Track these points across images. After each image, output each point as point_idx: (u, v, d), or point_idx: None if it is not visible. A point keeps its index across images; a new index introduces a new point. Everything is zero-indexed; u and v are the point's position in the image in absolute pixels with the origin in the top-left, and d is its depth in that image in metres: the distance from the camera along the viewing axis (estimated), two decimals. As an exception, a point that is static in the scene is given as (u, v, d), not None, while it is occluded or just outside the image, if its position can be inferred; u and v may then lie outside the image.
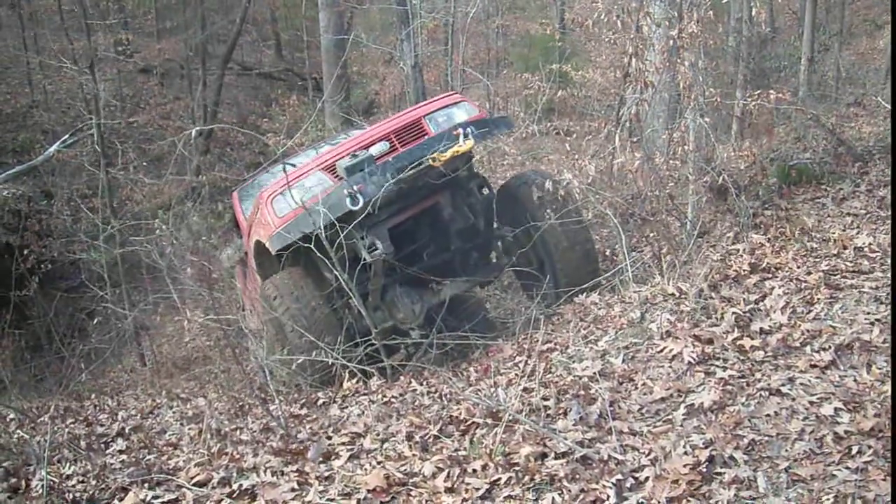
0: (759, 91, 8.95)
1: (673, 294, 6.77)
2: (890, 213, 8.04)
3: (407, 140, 7.50)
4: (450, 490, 4.63)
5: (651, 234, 8.86)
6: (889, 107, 11.58)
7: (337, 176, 7.26)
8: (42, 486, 5.08)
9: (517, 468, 4.67)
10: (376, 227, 7.33)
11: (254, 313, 9.13)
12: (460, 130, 7.22)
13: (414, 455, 5.13)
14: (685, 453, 4.54)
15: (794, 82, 14.61)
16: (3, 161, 19.35)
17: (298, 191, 7.12)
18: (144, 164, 18.00)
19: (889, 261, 6.58)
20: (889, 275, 6.27)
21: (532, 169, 9.33)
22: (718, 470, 4.41)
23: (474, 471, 4.76)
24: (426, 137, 7.50)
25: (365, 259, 7.16)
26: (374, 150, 7.26)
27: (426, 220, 8.07)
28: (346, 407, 6.66)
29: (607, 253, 10.42)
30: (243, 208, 9.39)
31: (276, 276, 7.54)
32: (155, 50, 27.28)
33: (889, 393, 4.76)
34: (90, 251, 13.44)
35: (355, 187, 6.85)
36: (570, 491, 4.40)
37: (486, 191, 8.20)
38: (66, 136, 17.01)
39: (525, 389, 5.73)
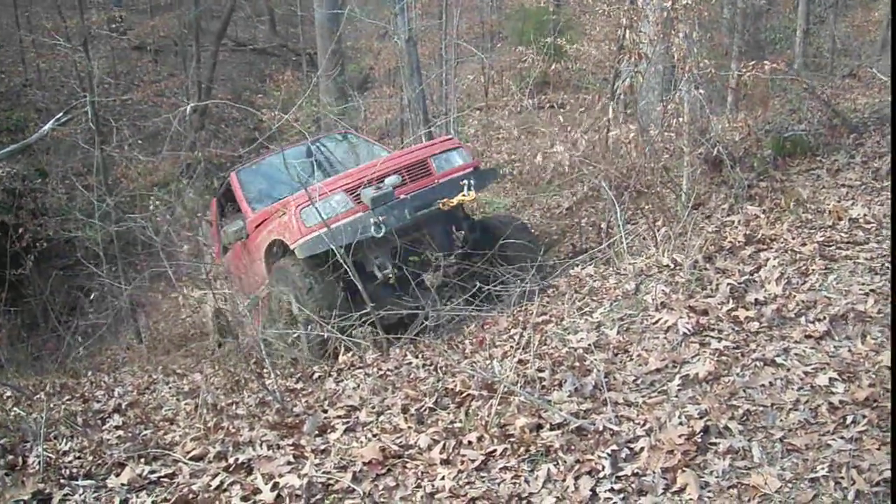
0: (754, 62, 8.90)
1: (668, 265, 6.78)
2: (885, 184, 8.04)
3: (415, 175, 8.63)
4: (445, 462, 4.65)
5: (646, 206, 8.86)
6: (885, 79, 11.55)
7: (357, 199, 8.23)
8: (39, 462, 5.09)
9: (512, 440, 4.69)
10: (383, 247, 8.29)
11: (240, 280, 10.01)
12: (465, 182, 8.42)
13: (409, 427, 5.15)
14: (680, 424, 4.55)
15: (790, 54, 14.57)
16: (-3, 140, 19.31)
17: (324, 207, 7.98)
18: (139, 141, 17.89)
19: (885, 232, 6.58)
20: (884, 245, 6.28)
21: (505, 214, 11.30)
22: (713, 440, 4.42)
23: (470, 443, 4.78)
24: (433, 179, 8.68)
25: (374, 273, 8.27)
26: (389, 182, 8.29)
27: (420, 242, 8.74)
28: (342, 380, 6.69)
29: (602, 226, 10.42)
30: (245, 192, 10.01)
31: (286, 262, 8.54)
32: (148, 27, 27.13)
33: (884, 363, 4.78)
34: (85, 229, 13.42)
35: (380, 218, 7.94)
36: (565, 462, 4.41)
37: (474, 228, 9.08)
38: (61, 114, 16.90)
39: (520, 361, 5.75)
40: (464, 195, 8.34)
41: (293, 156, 10.32)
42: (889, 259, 5.95)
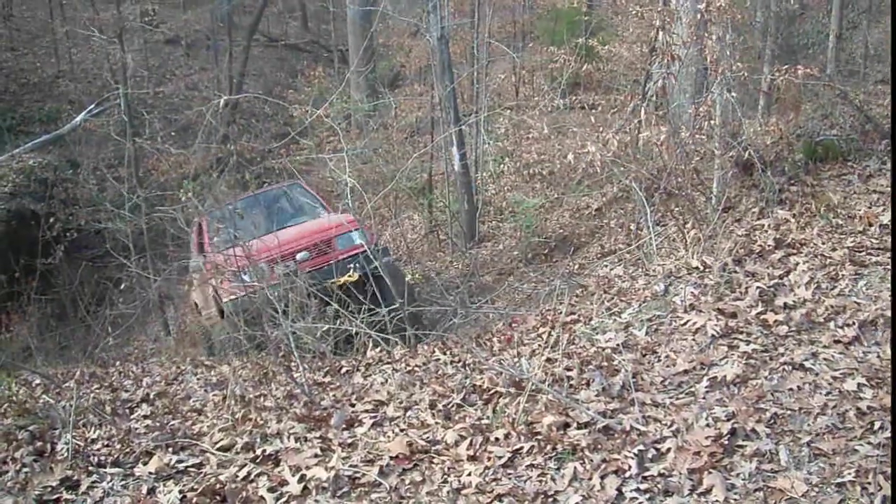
0: (786, 66, 8.86)
1: (697, 268, 6.76)
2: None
3: (322, 250, 10.87)
4: (472, 458, 4.66)
5: (676, 209, 8.83)
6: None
7: (273, 269, 9.77)
8: (67, 449, 5.14)
9: (539, 437, 4.70)
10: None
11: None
12: (352, 266, 10.25)
13: (437, 423, 5.17)
14: (707, 425, 4.55)
15: (822, 59, 14.46)
16: (30, 130, 19.47)
17: (251, 275, 9.60)
18: (171, 134, 17.98)
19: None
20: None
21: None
22: (740, 442, 4.42)
23: (497, 439, 4.79)
24: (333, 256, 10.72)
25: None
26: (300, 257, 10.53)
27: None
28: (370, 375, 6.71)
29: (632, 227, 10.41)
30: (209, 236, 11.54)
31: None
32: (181, 20, 27.27)
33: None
34: (115, 220, 13.49)
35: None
36: (591, 461, 4.42)
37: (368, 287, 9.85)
38: (93, 106, 17.04)
39: (548, 360, 5.75)
40: (350, 276, 10.14)
41: (248, 203, 11.97)
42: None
